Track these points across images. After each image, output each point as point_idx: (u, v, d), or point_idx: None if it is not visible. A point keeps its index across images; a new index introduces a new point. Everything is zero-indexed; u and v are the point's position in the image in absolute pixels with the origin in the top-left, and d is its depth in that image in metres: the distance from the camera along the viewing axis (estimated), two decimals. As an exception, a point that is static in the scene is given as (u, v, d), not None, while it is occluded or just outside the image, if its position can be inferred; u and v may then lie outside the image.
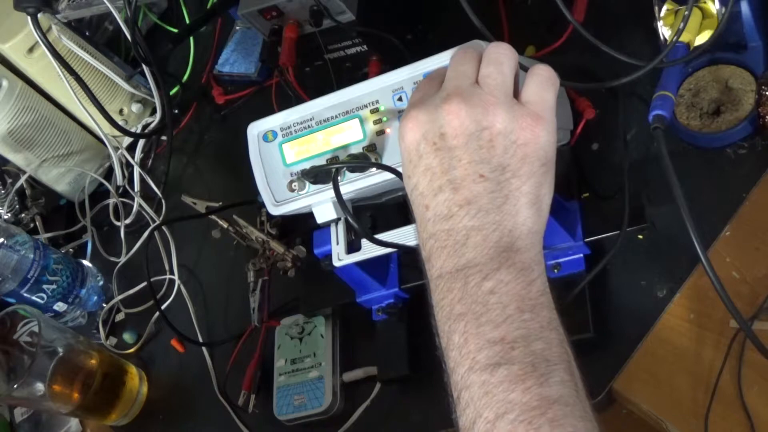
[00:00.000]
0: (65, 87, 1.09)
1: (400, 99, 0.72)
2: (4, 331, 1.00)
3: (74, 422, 1.11)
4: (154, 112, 1.22)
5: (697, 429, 0.69)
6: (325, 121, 0.74)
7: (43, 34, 1.04)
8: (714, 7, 0.74)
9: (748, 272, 0.72)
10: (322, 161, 0.74)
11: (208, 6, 1.20)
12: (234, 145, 1.15)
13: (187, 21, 1.22)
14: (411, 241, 0.74)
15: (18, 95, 1.14)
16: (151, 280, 1.06)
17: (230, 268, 1.07)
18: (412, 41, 1.02)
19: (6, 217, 1.26)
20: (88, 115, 1.14)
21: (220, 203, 1.10)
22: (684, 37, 0.74)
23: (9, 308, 1.02)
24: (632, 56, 0.73)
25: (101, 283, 1.17)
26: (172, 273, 1.11)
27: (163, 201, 1.17)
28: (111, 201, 1.22)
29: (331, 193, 0.71)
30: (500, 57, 0.60)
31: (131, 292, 1.14)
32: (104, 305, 1.15)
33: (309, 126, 0.75)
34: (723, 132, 0.76)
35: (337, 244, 0.78)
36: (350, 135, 0.73)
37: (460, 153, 0.57)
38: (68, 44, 1.12)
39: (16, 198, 1.26)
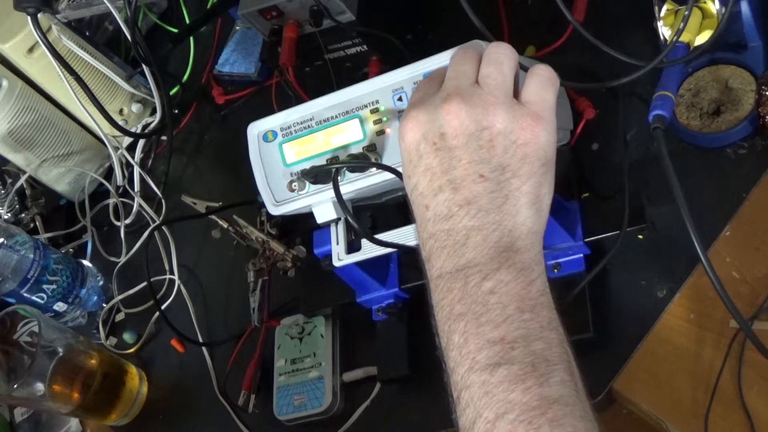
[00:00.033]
0: (65, 87, 1.09)
1: (400, 99, 0.72)
2: (4, 331, 1.00)
3: (74, 422, 1.11)
4: (154, 112, 1.21)
5: (697, 429, 0.69)
6: (325, 121, 0.74)
7: (43, 34, 1.04)
8: (714, 7, 0.74)
9: (748, 272, 0.72)
10: (322, 161, 0.74)
11: (208, 6, 1.19)
12: (234, 145, 1.15)
13: (187, 21, 1.22)
14: (411, 241, 0.74)
15: (18, 95, 1.14)
16: (151, 280, 1.06)
17: (230, 268, 1.07)
18: (412, 41, 1.02)
19: (6, 217, 1.26)
20: (88, 115, 1.14)
21: (220, 203, 1.10)
22: (684, 37, 0.74)
23: (9, 308, 1.01)
24: (632, 56, 0.73)
25: (101, 283, 1.17)
26: (172, 273, 1.11)
27: (163, 201, 1.17)
28: (111, 201, 1.22)
29: (331, 193, 0.71)
30: (500, 57, 0.60)
31: (131, 292, 1.14)
32: (104, 305, 1.15)
33: (309, 126, 0.75)
34: (723, 132, 0.76)
35: (337, 244, 0.78)
36: (350, 135, 0.73)
37: (460, 153, 0.57)
38: (68, 44, 1.12)
39: (16, 198, 1.26)
